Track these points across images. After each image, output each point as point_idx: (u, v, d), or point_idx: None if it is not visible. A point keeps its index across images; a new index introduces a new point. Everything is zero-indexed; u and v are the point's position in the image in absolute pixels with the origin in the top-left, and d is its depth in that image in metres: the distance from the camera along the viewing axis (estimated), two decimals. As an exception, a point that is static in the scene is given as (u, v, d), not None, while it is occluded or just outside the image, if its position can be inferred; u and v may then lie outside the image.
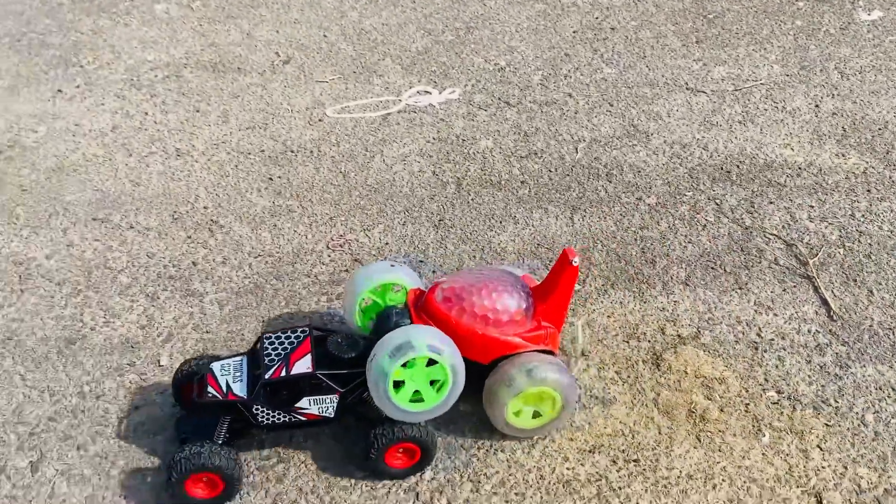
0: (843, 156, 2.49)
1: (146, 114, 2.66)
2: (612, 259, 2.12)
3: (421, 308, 1.61)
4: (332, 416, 1.55)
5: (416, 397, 1.52)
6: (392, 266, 1.71)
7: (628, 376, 1.81)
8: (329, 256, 2.12)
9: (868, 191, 2.35)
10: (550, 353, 1.62)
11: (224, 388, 1.51)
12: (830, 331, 1.93)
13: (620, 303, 2.00)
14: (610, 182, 2.39)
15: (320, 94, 2.77)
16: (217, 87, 2.79)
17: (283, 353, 1.53)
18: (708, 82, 2.84)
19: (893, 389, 1.79)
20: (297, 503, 1.55)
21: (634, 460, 1.65)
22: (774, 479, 1.61)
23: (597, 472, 1.62)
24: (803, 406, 1.75)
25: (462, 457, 1.64)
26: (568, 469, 1.63)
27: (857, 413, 1.73)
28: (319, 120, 2.65)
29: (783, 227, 2.22)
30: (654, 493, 1.59)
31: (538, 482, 1.60)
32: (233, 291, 2.01)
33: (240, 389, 1.51)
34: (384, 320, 1.58)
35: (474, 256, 2.12)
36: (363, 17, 3.24)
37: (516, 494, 1.58)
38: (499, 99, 2.76)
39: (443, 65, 2.94)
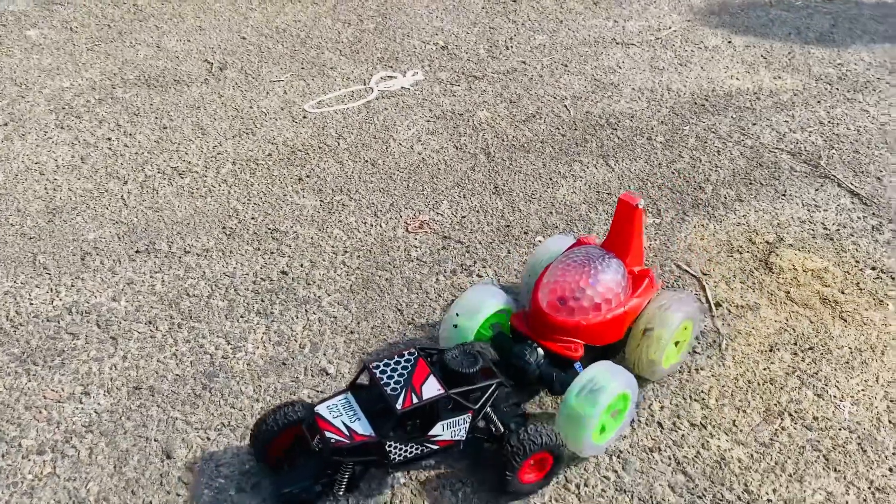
0: (780, 78, 2.83)
1: (110, 139, 2.38)
2: (667, 192, 2.26)
3: (538, 326, 1.56)
4: (464, 438, 1.42)
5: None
6: (492, 291, 1.63)
7: (753, 283, 1.97)
8: (416, 238, 2.06)
9: (818, 102, 2.70)
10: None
11: (345, 431, 1.32)
12: (873, 213, 2.21)
13: (702, 226, 2.15)
14: (616, 130, 2.53)
15: (284, 93, 2.64)
16: (167, 101, 2.56)
17: (401, 380, 1.37)
18: (630, 35, 3.07)
19: (950, 246, 2.11)
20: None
21: (810, 348, 1.80)
22: (919, 335, 1.84)
23: (788, 366, 1.76)
24: (897, 275, 2.01)
25: (672, 386, 1.69)
26: (765, 370, 1.75)
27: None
28: (303, 117, 2.53)
29: (778, 141, 2.49)
30: (843, 370, 1.75)
31: (748, 385, 1.70)
32: (346, 290, 1.90)
33: (363, 428, 1.33)
34: (520, 360, 1.52)
35: (549, 213, 2.16)
36: (269, 17, 3.11)
37: (739, 401, 1.67)
38: (463, 74, 2.79)
39: (385, 51, 2.92)
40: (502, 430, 1.43)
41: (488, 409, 1.42)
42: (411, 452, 1.37)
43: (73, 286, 1.88)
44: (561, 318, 1.55)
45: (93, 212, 2.10)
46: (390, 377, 1.37)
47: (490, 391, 1.42)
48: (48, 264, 1.93)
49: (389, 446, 1.33)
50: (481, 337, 1.61)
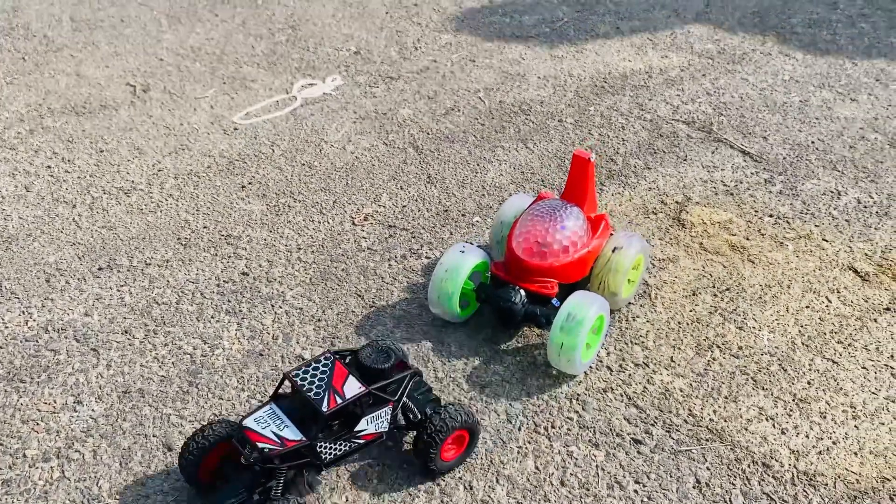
0: (666, 57, 3.10)
1: (49, 167, 2.45)
2: (583, 167, 2.48)
3: (516, 271, 1.80)
4: (387, 429, 1.52)
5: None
6: (463, 252, 1.82)
7: (670, 238, 2.20)
8: (363, 230, 2.22)
9: (703, 75, 2.98)
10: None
11: (276, 439, 1.39)
12: (764, 168, 2.49)
13: (619, 193, 2.37)
14: (528, 115, 2.74)
15: (211, 108, 2.75)
16: (98, 126, 2.63)
17: (321, 383, 1.44)
18: (527, 28, 3.30)
19: (832, 190, 2.39)
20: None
21: (726, 289, 2.05)
22: (817, 269, 2.11)
23: (710, 306, 1.99)
24: (791, 218, 2.28)
25: (614, 334, 1.91)
26: (691, 311, 1.98)
27: (823, 209, 2.30)
28: (235, 129, 2.65)
29: (673, 113, 2.75)
30: (758, 304, 2.00)
31: (679, 326, 1.93)
32: (307, 283, 2.04)
33: (293, 434, 1.40)
34: (507, 302, 1.76)
35: (482, 196, 2.35)
36: (182, 38, 3.20)
37: (673, 340, 1.89)
38: (380, 76, 2.96)
39: (300, 60, 3.05)
40: (419, 416, 1.55)
41: (405, 399, 1.54)
42: (341, 450, 1.46)
43: (43, 307, 1.95)
44: (536, 262, 1.79)
45: (48, 236, 2.17)
46: (311, 382, 1.44)
47: (406, 382, 1.54)
48: (14, 289, 2.00)
49: (320, 447, 1.42)
50: (467, 288, 1.81)
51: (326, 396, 1.42)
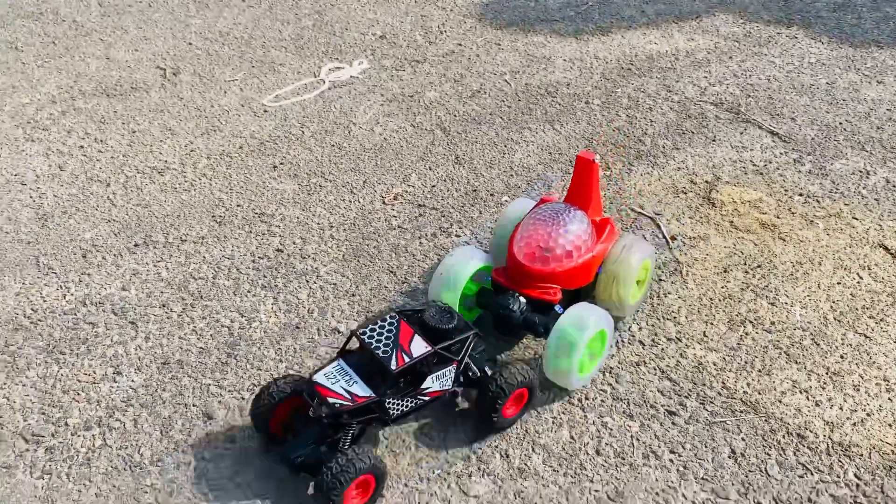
0: (692, 40, 3.10)
1: (82, 147, 2.48)
2: (611, 148, 2.49)
3: (518, 277, 1.72)
4: (450, 387, 1.55)
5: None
6: (471, 252, 1.78)
7: (700, 217, 2.21)
8: (394, 209, 2.23)
9: (730, 58, 2.98)
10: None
11: (346, 394, 1.43)
12: (793, 148, 2.49)
13: (648, 173, 2.38)
14: (555, 97, 2.75)
15: (240, 91, 2.77)
16: (130, 108, 2.66)
17: (388, 342, 1.48)
18: (551, 12, 3.30)
19: (861, 170, 2.39)
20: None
21: (758, 266, 2.05)
22: (847, 246, 2.11)
23: (742, 283, 2.00)
24: (821, 197, 2.28)
25: (646, 310, 1.91)
26: (722, 287, 1.98)
27: (852, 188, 2.30)
28: (264, 111, 2.67)
29: (700, 94, 2.75)
30: (789, 281, 2.00)
31: (711, 302, 1.93)
32: (340, 260, 2.05)
33: (362, 390, 1.44)
34: (505, 309, 1.68)
35: (510, 176, 2.36)
36: (210, 23, 3.22)
37: (705, 316, 1.90)
38: (406, 60, 2.97)
39: (327, 44, 3.07)
40: (479, 375, 1.59)
41: (467, 358, 1.57)
42: (407, 406, 1.51)
43: (80, 281, 1.98)
44: (538, 268, 1.71)
45: (83, 214, 2.20)
46: (378, 340, 1.49)
47: (468, 342, 1.56)
48: (52, 264, 2.03)
49: (389, 403, 1.46)
50: (467, 293, 1.77)
51: (394, 355, 1.46)
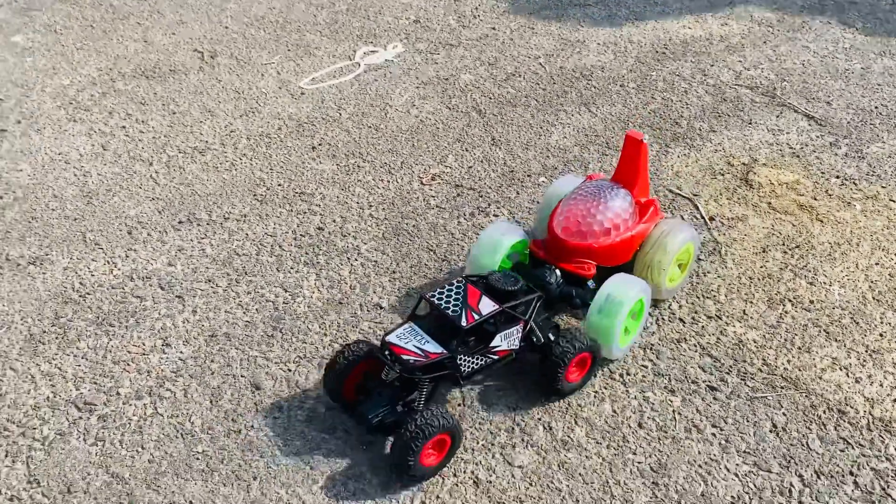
0: (726, 24, 3.10)
1: (124, 127, 2.52)
2: (647, 130, 2.50)
3: (555, 250, 1.74)
4: (517, 347, 1.58)
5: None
6: (507, 227, 1.80)
7: (738, 198, 2.21)
8: (432, 189, 2.25)
9: (764, 42, 2.97)
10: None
11: (419, 352, 1.47)
12: (829, 132, 2.49)
13: (685, 155, 2.39)
14: (591, 81, 2.76)
15: (278, 74, 2.80)
16: (169, 89, 2.70)
17: (457, 303, 1.53)
18: (584, -2, 3.31)
19: (890, 156, 2.39)
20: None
21: (796, 246, 2.06)
22: (885, 227, 2.11)
23: (781, 262, 2.01)
24: (858, 179, 2.28)
25: (685, 289, 1.92)
26: (761, 267, 1.99)
27: (889, 171, 2.30)
28: (301, 94, 2.69)
29: (735, 78, 2.75)
30: (828, 261, 2.01)
31: (750, 281, 1.94)
32: (380, 238, 2.08)
33: (434, 347, 1.48)
34: (542, 281, 1.69)
35: (546, 157, 2.38)
36: (245, 7, 3.25)
37: (745, 294, 1.91)
38: (440, 44, 2.99)
39: (361, 28, 3.09)
40: (542, 340, 1.62)
41: (531, 322, 1.60)
42: (477, 364, 1.55)
43: (127, 257, 2.02)
44: (575, 242, 1.73)
45: (127, 192, 2.24)
46: (448, 302, 1.54)
47: (534, 303, 1.61)
48: (98, 240, 2.07)
49: (460, 360, 1.50)
50: (503, 267, 1.78)
51: (464, 313, 1.50)
